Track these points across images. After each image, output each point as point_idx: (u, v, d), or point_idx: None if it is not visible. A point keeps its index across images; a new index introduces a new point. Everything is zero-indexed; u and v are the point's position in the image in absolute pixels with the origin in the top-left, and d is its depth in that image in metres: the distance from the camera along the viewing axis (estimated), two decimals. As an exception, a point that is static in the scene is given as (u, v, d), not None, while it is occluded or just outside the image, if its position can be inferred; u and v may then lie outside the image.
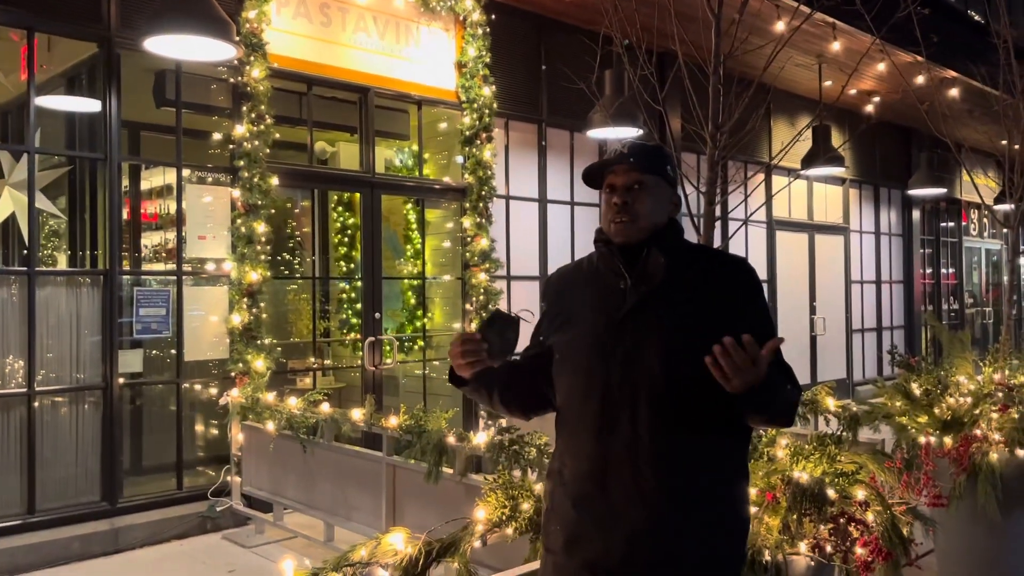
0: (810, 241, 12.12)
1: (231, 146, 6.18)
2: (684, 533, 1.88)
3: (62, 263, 6.33)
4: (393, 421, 4.58)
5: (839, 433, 2.87)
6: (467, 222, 7.62)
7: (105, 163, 5.74)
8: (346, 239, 8.53)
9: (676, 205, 2.10)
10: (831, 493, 2.62)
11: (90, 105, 5.88)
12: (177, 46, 5.09)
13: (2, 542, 5.15)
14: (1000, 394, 4.32)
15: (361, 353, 7.11)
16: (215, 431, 6.44)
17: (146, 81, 6.25)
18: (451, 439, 4.17)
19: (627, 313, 1.96)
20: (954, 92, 9.18)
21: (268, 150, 6.18)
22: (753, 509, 2.60)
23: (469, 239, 7.61)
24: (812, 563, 2.60)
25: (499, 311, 2.00)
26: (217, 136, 6.27)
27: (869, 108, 10.03)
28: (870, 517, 2.64)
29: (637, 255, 2.00)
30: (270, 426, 5.42)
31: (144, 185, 7.51)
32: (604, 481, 1.90)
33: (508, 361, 2.05)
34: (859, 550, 2.56)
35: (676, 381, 1.88)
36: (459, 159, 7.72)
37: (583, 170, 2.09)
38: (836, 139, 10.87)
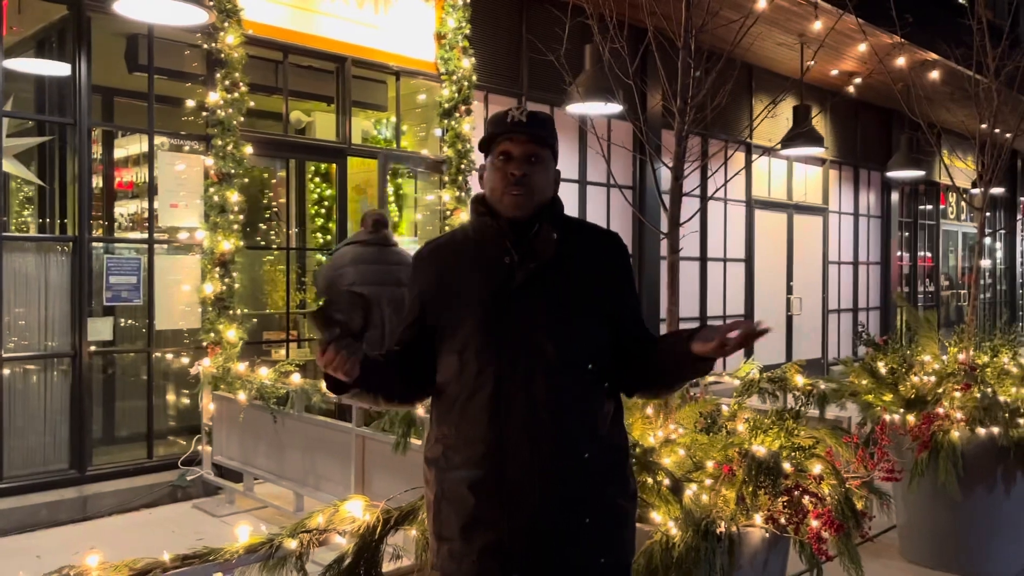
0: (789, 221, 12.17)
1: (204, 114, 6.10)
2: (589, 506, 1.89)
3: (33, 230, 6.26)
4: (363, 392, 4.57)
5: (798, 408, 2.89)
6: (446, 195, 7.58)
7: (75, 128, 5.65)
8: (323, 210, 8.47)
9: (557, 183, 2.06)
10: (787, 466, 2.65)
11: (60, 69, 5.78)
12: (147, 9, 5.01)
13: (-32, 508, 5.13)
14: (963, 373, 4.37)
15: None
16: (186, 400, 6.41)
17: (118, 46, 6.15)
18: (420, 411, 4.17)
19: (515, 290, 1.91)
20: (934, 74, 9.19)
21: (242, 118, 6.11)
22: (709, 481, 2.64)
23: (449, 212, 7.58)
24: (767, 535, 2.64)
25: (328, 300, 1.80)
26: (190, 103, 6.19)
27: (850, 89, 10.03)
28: (824, 490, 2.67)
29: (523, 229, 1.94)
30: (241, 396, 5.41)
31: (119, 153, 7.42)
32: (502, 462, 1.86)
33: (392, 354, 1.94)
34: (812, 522, 2.60)
35: (569, 357, 1.90)
36: (437, 132, 7.66)
37: (483, 137, 1.99)
38: (817, 119, 10.89)
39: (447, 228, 7.58)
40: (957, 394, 4.26)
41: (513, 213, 1.94)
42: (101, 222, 6.87)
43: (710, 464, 2.69)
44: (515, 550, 1.85)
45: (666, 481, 2.57)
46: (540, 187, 1.96)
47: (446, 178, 7.61)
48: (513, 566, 1.85)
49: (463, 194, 7.60)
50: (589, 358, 1.92)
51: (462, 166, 7.58)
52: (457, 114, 7.52)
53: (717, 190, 3.88)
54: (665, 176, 3.87)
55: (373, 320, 6.07)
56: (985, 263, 17.14)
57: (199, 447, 5.94)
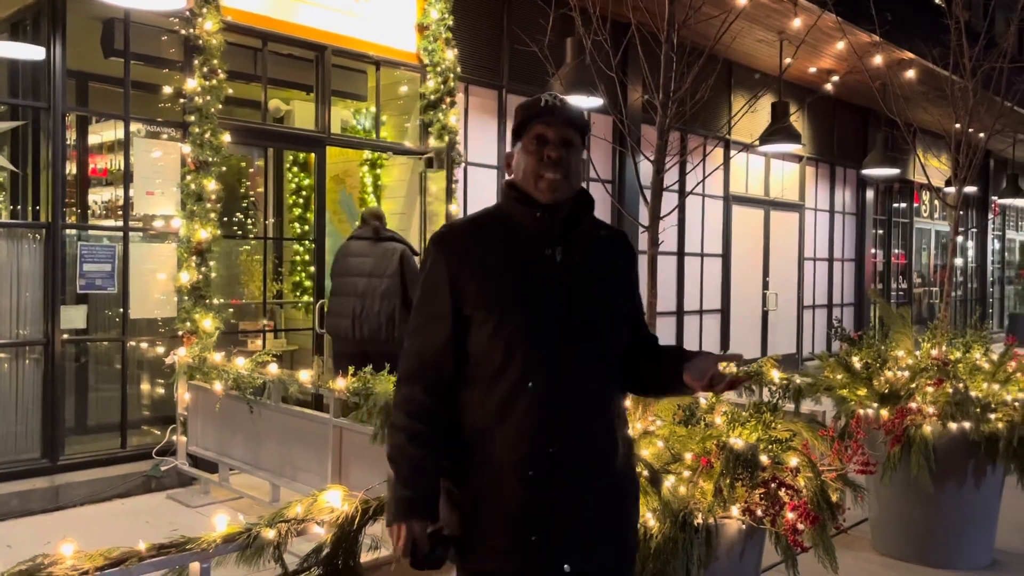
0: (765, 217, 12.26)
1: (182, 100, 6.03)
2: (626, 491, 2.01)
3: (5, 216, 6.16)
4: (340, 383, 4.56)
5: (775, 402, 2.92)
6: (434, 187, 7.55)
7: (49, 113, 5.56)
8: (301, 200, 8.41)
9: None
10: (764, 459, 2.67)
11: (34, 52, 5.67)
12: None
13: (-63, 498, 5.05)
14: (936, 369, 4.43)
15: (312, 316, 7.05)
16: (161, 390, 6.35)
17: (94, 30, 6.06)
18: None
19: (560, 285, 1.91)
20: (911, 74, 9.30)
21: (220, 106, 6.03)
22: (687, 473, 2.65)
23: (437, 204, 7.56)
24: (743, 526, 2.66)
25: (435, 548, 1.89)
26: (168, 90, 6.12)
27: (828, 87, 10.12)
28: (800, 482, 2.70)
29: (564, 221, 1.95)
30: (217, 386, 5.36)
31: (94, 140, 7.31)
32: (552, 461, 1.87)
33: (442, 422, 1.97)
34: (789, 514, 2.63)
35: (606, 348, 1.97)
36: (418, 122, 7.63)
37: (517, 121, 1.96)
38: (795, 116, 10.97)
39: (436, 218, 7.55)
40: (930, 389, 4.32)
41: (549, 197, 1.91)
42: (75, 209, 6.78)
43: (688, 456, 2.71)
44: (567, 541, 1.88)
45: (645, 472, 2.58)
46: (575, 171, 1.95)
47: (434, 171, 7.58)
48: (564, 558, 1.88)
49: (451, 185, 7.59)
50: (619, 353, 2.01)
51: (450, 157, 7.55)
52: (443, 105, 7.49)
53: (696, 185, 3.91)
54: (645, 170, 3.88)
55: (367, 312, 5.98)
56: (958, 261, 17.40)
57: (174, 437, 5.88)
